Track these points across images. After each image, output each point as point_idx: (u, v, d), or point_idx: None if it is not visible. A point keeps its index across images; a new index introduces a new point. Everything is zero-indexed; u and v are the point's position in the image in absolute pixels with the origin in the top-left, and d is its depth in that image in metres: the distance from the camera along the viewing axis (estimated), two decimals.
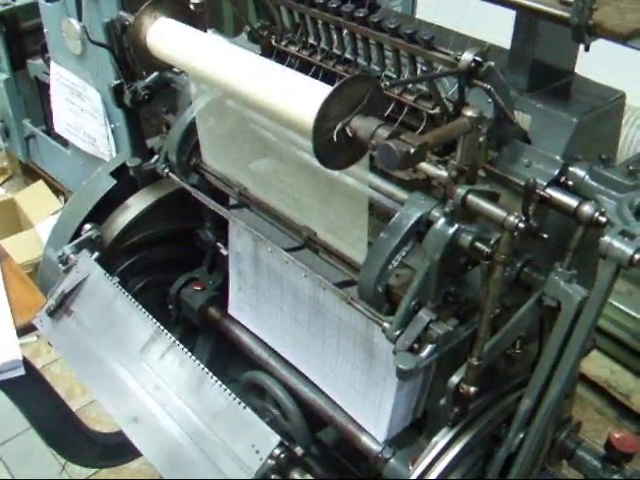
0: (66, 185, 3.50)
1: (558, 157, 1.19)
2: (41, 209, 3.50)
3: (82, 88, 2.88)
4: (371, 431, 1.49)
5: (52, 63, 3.02)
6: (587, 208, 1.11)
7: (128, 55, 1.59)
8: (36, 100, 3.52)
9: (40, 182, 3.68)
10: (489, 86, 1.10)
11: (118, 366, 1.48)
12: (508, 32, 1.33)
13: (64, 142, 3.29)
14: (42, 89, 3.38)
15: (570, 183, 1.18)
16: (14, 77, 3.45)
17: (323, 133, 1.02)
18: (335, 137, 1.02)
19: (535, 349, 1.33)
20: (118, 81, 1.66)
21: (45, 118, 3.51)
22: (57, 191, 3.64)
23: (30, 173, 3.86)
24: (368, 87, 1.04)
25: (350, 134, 1.02)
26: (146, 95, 1.64)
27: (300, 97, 1.09)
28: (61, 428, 1.92)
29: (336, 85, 1.02)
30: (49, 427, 1.91)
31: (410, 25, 1.18)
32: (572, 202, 1.13)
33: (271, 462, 1.23)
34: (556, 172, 1.18)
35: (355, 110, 1.02)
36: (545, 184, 1.16)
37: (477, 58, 1.08)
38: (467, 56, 1.09)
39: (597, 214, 1.10)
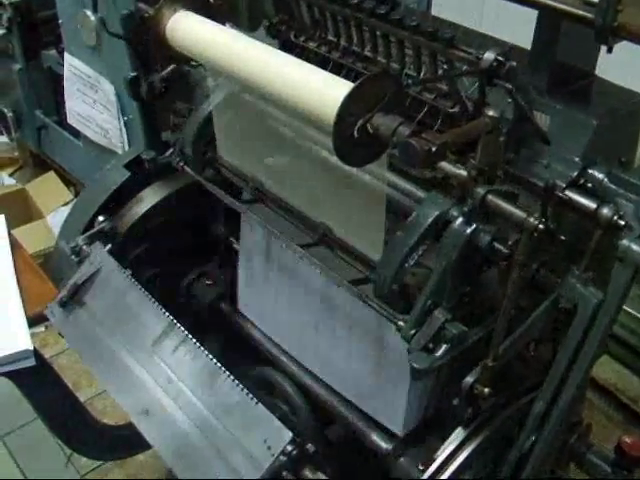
0: (77, 176, 3.49)
1: (577, 159, 1.18)
2: (52, 200, 3.50)
3: (95, 80, 2.87)
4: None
5: (66, 54, 3.01)
6: (606, 211, 1.10)
7: (146, 47, 1.59)
8: (49, 91, 3.50)
9: (51, 173, 3.68)
10: (510, 86, 1.10)
11: (130, 359, 1.48)
12: (518, 32, 1.32)
13: (76, 133, 3.28)
14: (55, 80, 3.37)
15: (589, 185, 1.17)
16: (27, 67, 3.44)
17: (344, 130, 1.01)
18: (356, 134, 1.02)
19: (548, 351, 1.33)
20: (134, 73, 1.66)
21: (57, 109, 3.50)
22: (68, 182, 3.63)
23: (41, 164, 3.85)
24: (390, 85, 1.03)
25: (371, 131, 1.01)
26: (163, 88, 1.63)
27: (321, 93, 1.08)
28: (69, 420, 1.92)
29: (358, 82, 1.01)
30: (57, 418, 1.90)
31: (430, 23, 1.17)
32: (591, 204, 1.12)
33: (283, 458, 1.23)
34: (575, 174, 1.17)
35: (377, 107, 1.01)
36: (564, 186, 1.15)
37: (499, 58, 1.07)
38: (489, 55, 1.08)
39: (616, 217, 1.09)
